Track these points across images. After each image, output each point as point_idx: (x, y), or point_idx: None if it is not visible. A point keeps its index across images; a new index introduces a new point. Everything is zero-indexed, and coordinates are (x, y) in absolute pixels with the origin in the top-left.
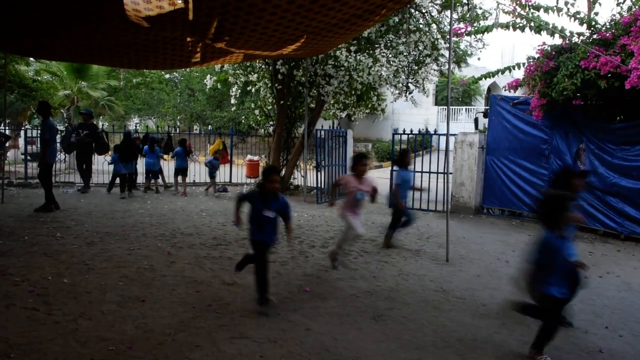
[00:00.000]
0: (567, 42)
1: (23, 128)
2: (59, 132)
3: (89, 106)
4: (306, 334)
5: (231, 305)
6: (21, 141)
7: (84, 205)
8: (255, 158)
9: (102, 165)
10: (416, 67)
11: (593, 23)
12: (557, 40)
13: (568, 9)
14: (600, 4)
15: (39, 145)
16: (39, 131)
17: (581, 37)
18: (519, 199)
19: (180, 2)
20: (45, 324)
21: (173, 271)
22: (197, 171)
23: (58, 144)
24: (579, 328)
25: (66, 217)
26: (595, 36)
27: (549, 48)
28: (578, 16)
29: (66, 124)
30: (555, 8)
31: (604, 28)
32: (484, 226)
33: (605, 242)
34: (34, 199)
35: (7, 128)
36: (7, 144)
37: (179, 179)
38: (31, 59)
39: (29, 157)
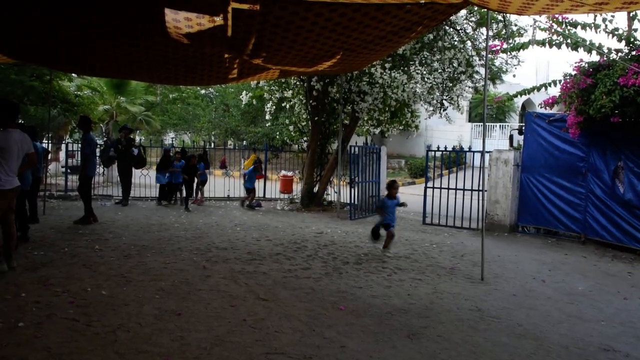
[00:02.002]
0: (605, 59)
1: (64, 142)
2: (98, 146)
3: (127, 121)
4: (341, 351)
5: (266, 321)
6: (62, 154)
7: (121, 218)
8: (289, 173)
9: (139, 179)
10: (451, 84)
11: (632, 39)
12: (595, 57)
13: (606, 25)
14: (639, 21)
15: (79, 159)
16: (79, 145)
17: (620, 54)
18: (554, 217)
19: (219, 19)
20: (85, 335)
21: (208, 285)
22: (232, 186)
23: (97, 158)
24: (620, 351)
25: (104, 229)
26: (634, 53)
27: (586, 65)
28: (616, 33)
29: (105, 138)
30: (592, 25)
31: None
32: (519, 244)
33: None
34: (74, 211)
35: (49, 142)
36: (48, 157)
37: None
38: (74, 75)
39: (69, 170)
